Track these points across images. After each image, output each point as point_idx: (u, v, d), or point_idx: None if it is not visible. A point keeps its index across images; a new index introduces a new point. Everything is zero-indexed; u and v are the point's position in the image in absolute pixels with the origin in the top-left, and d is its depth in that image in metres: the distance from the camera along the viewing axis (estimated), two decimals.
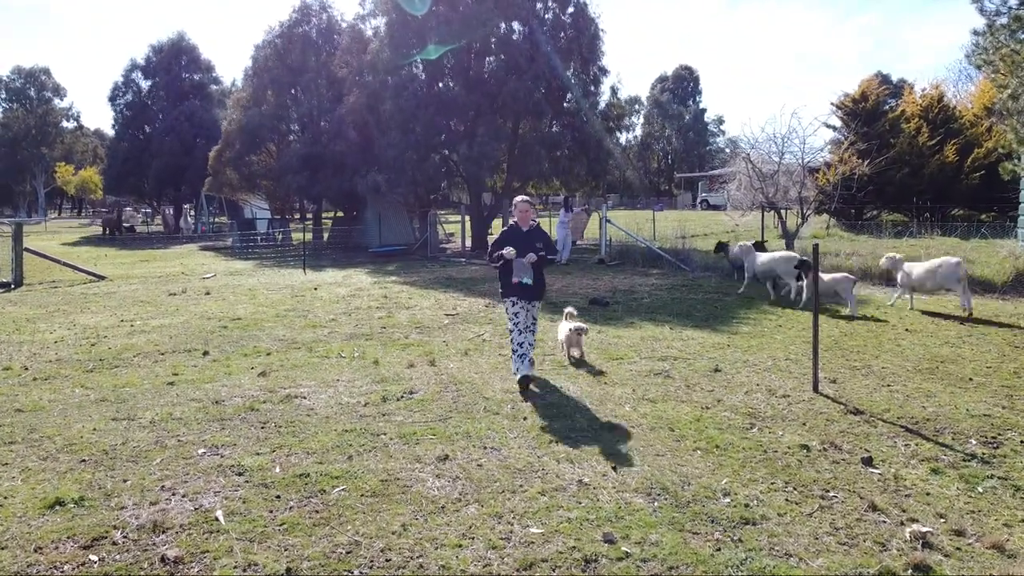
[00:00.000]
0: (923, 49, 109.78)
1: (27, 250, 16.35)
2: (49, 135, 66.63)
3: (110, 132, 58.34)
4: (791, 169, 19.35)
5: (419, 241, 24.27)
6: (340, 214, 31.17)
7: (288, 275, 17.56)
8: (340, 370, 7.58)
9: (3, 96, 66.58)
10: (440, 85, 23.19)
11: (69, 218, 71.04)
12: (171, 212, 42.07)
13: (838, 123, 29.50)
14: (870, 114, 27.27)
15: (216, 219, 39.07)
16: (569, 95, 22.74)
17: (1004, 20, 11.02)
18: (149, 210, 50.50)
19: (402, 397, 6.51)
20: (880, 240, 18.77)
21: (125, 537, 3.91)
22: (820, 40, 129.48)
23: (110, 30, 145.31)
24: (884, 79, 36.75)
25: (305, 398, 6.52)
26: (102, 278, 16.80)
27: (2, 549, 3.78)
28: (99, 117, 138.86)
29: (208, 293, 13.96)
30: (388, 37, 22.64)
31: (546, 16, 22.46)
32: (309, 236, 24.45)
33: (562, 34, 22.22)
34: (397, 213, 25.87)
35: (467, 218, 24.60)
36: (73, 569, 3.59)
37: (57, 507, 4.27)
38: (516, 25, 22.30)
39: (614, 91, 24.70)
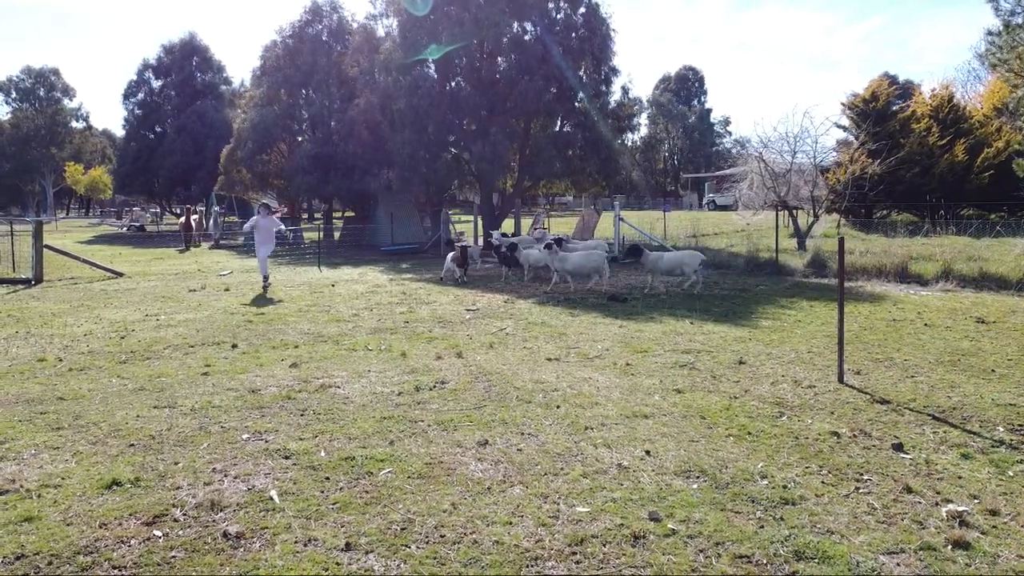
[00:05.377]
0: (929, 51, 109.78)
1: (47, 247, 16.53)
2: (58, 135, 66.98)
3: (118, 132, 58.81)
4: (803, 168, 19.47)
5: (431, 239, 24.43)
6: (350, 213, 31.37)
7: (304, 272, 17.72)
8: (369, 362, 7.72)
9: (13, 96, 67.00)
10: (452, 85, 23.33)
11: (77, 217, 71.42)
12: (193, 211, 41.86)
13: (848, 123, 29.60)
14: (880, 114, 27.34)
15: (224, 218, 39.23)
16: (580, 95, 22.86)
17: (1020, 20, 11.11)
18: (157, 209, 50.81)
19: (434, 387, 6.64)
20: (892, 239, 18.84)
21: (185, 515, 4.05)
22: (827, 41, 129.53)
23: (116, 30, 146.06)
24: (892, 80, 36.81)
25: (339, 388, 6.65)
26: (120, 275, 16.97)
27: (68, 525, 3.92)
28: (106, 117, 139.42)
29: (227, 289, 14.11)
30: (400, 37, 22.81)
31: (558, 16, 22.59)
32: (321, 235, 24.64)
33: (574, 34, 22.33)
34: (408, 212, 26.05)
35: (479, 218, 24.73)
36: (140, 544, 3.73)
37: (115, 487, 4.41)
38: (528, 25, 22.43)
39: (625, 91, 24.79)
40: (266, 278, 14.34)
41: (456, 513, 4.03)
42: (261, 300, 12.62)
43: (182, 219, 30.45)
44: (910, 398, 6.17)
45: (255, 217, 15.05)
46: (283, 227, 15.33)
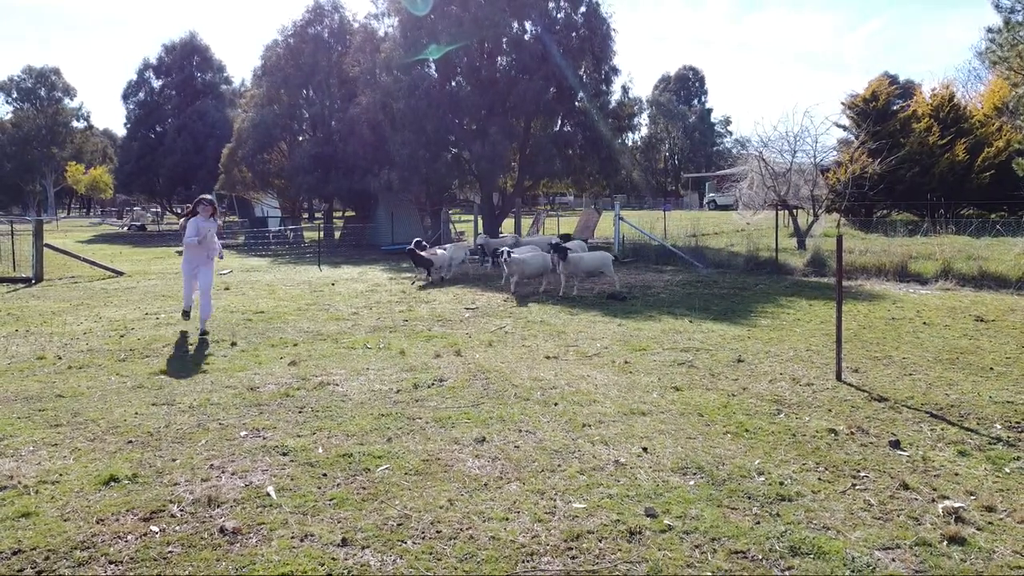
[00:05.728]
0: (930, 51, 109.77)
1: (48, 246, 16.54)
2: (59, 135, 67.04)
3: (119, 132, 58.82)
4: (803, 168, 19.46)
5: (432, 239, 24.42)
6: (350, 213, 31.39)
7: (304, 271, 17.74)
8: (368, 360, 7.72)
9: (14, 96, 67.06)
10: (452, 84, 23.33)
11: (78, 217, 71.50)
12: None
13: (848, 123, 29.58)
14: (880, 113, 27.32)
15: (226, 217, 39.30)
16: (580, 94, 22.85)
17: (1020, 17, 11.10)
18: (158, 209, 50.84)
19: (433, 384, 6.64)
20: (892, 239, 18.83)
21: (182, 510, 4.05)
22: (828, 42, 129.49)
23: (116, 30, 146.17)
24: (892, 79, 36.77)
25: (338, 385, 6.66)
26: (120, 274, 16.99)
27: (65, 521, 3.93)
28: (107, 117, 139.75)
29: (228, 288, 14.13)
30: (401, 37, 22.82)
31: (558, 15, 22.59)
32: (321, 235, 24.65)
33: (574, 33, 22.32)
34: (408, 212, 26.06)
35: (479, 217, 24.73)
36: (136, 539, 3.73)
37: (112, 483, 4.41)
38: (528, 25, 22.42)
39: (625, 91, 24.72)
40: (204, 330, 9.27)
41: (452, 509, 4.04)
42: (260, 299, 12.48)
43: (182, 219, 30.46)
44: (908, 396, 6.17)
45: (194, 220, 10.04)
46: (220, 248, 10.41)
